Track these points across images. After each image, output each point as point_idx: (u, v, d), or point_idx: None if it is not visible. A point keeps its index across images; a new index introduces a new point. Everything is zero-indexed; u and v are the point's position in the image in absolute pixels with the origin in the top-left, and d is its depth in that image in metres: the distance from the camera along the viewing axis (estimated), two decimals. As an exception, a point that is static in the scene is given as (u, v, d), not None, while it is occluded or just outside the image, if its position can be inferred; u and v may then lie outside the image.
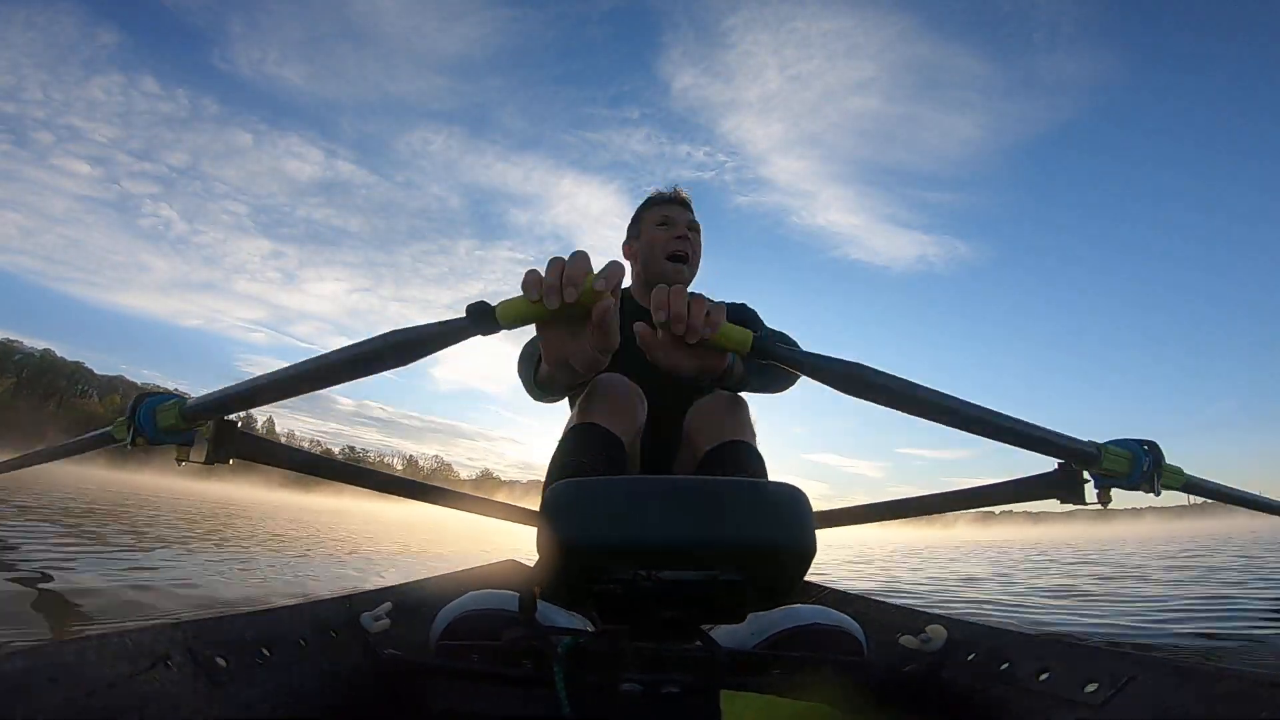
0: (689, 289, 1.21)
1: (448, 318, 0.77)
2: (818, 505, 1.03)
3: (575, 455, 1.01)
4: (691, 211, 1.30)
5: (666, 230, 1.25)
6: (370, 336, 0.79)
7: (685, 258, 1.24)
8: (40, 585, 1.26)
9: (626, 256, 1.32)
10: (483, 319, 0.73)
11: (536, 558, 0.57)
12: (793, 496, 0.51)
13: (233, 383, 0.95)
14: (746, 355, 0.80)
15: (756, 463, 1.07)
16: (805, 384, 1.03)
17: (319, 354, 0.83)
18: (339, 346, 0.83)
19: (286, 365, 0.88)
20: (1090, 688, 0.52)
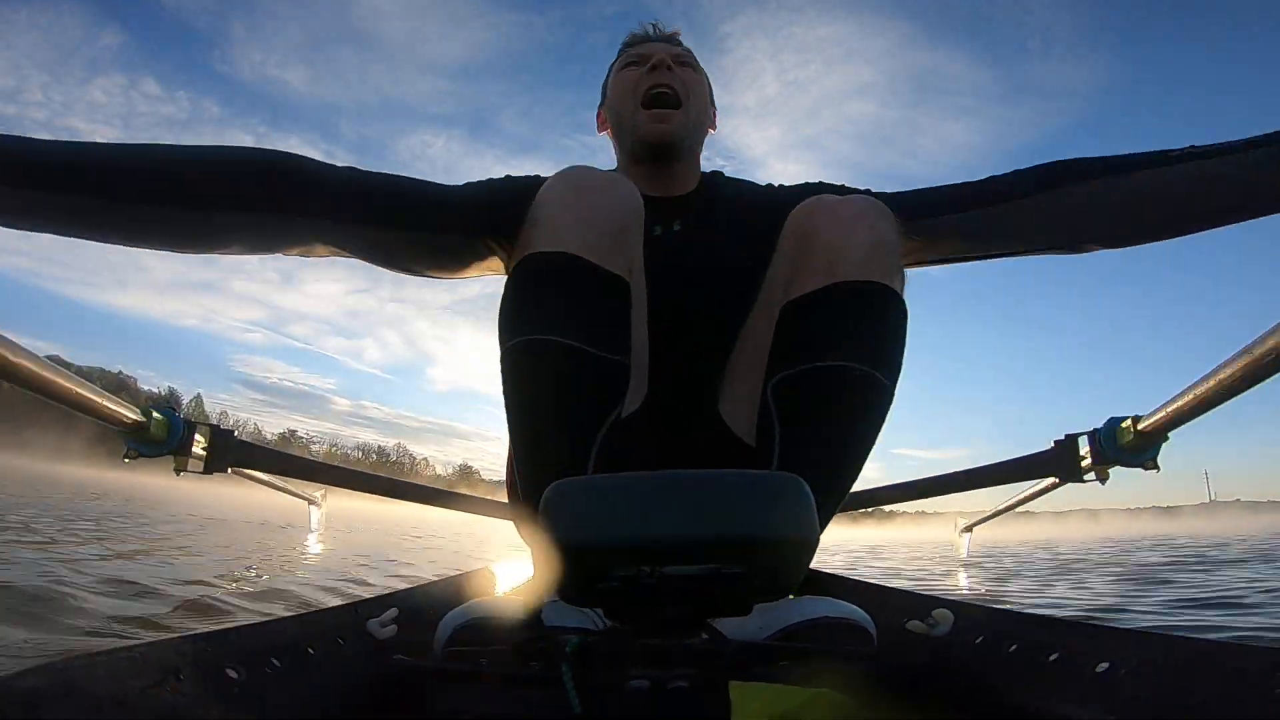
0: (698, 156, 0.92)
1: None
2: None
3: (533, 313, 0.69)
4: (678, 44, 0.94)
5: (637, 69, 0.88)
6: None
7: (670, 98, 0.86)
8: (50, 598, 1.27)
9: (600, 130, 1.00)
10: None
11: (540, 559, 0.57)
12: (793, 486, 0.51)
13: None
14: None
15: (890, 328, 0.72)
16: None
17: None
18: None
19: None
20: (1101, 667, 0.52)
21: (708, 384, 0.87)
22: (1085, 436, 1.33)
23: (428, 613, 0.87)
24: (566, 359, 0.67)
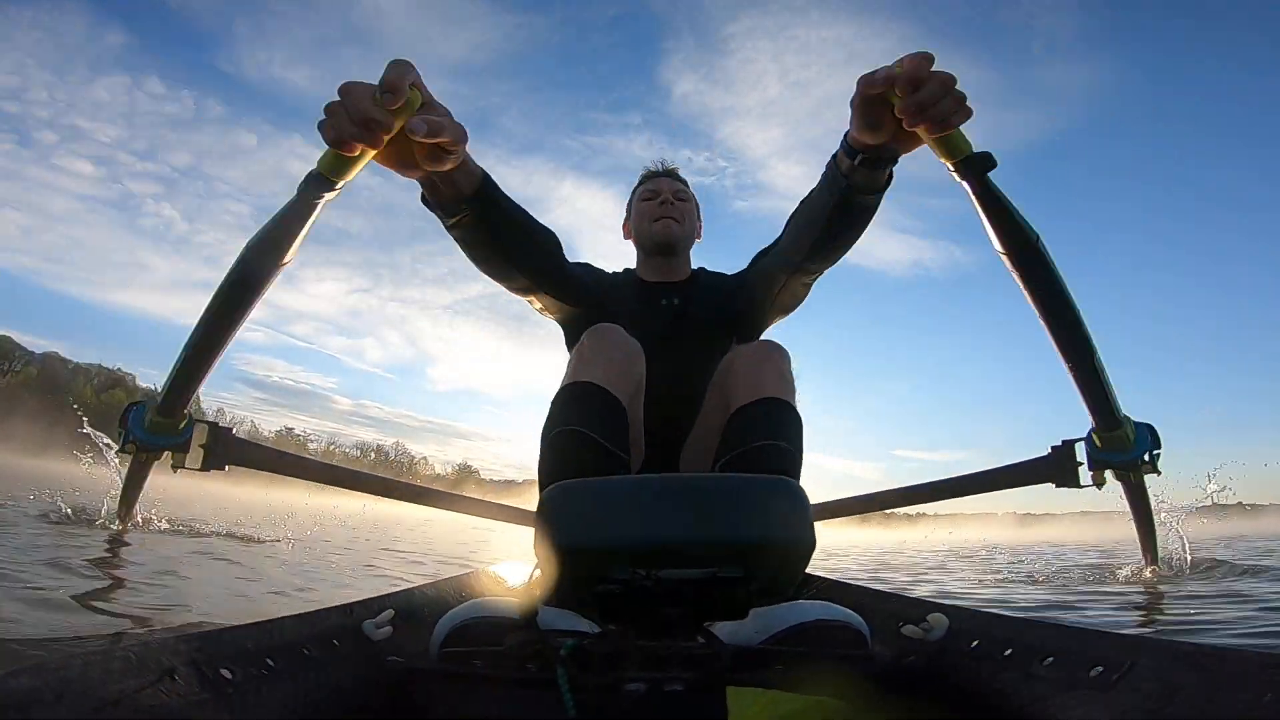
0: (689, 255, 1.41)
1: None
2: (815, 499, 1.03)
3: (567, 417, 1.02)
4: (679, 180, 1.41)
5: (652, 202, 1.37)
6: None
7: (672, 217, 1.34)
8: (44, 597, 1.26)
9: (626, 237, 1.45)
10: (315, 184, 0.82)
11: (536, 560, 0.57)
12: (790, 491, 0.51)
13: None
14: (960, 166, 0.87)
15: (793, 425, 1.05)
16: (805, 379, 1.08)
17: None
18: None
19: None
20: (1094, 671, 0.52)
21: (673, 461, 1.24)
22: (1081, 442, 1.34)
23: (424, 614, 0.87)
24: (588, 445, 0.98)
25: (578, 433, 0.99)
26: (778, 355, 1.10)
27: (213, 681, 0.48)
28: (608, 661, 0.57)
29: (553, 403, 1.07)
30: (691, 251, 1.42)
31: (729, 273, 1.43)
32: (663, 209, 1.34)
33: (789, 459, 1.01)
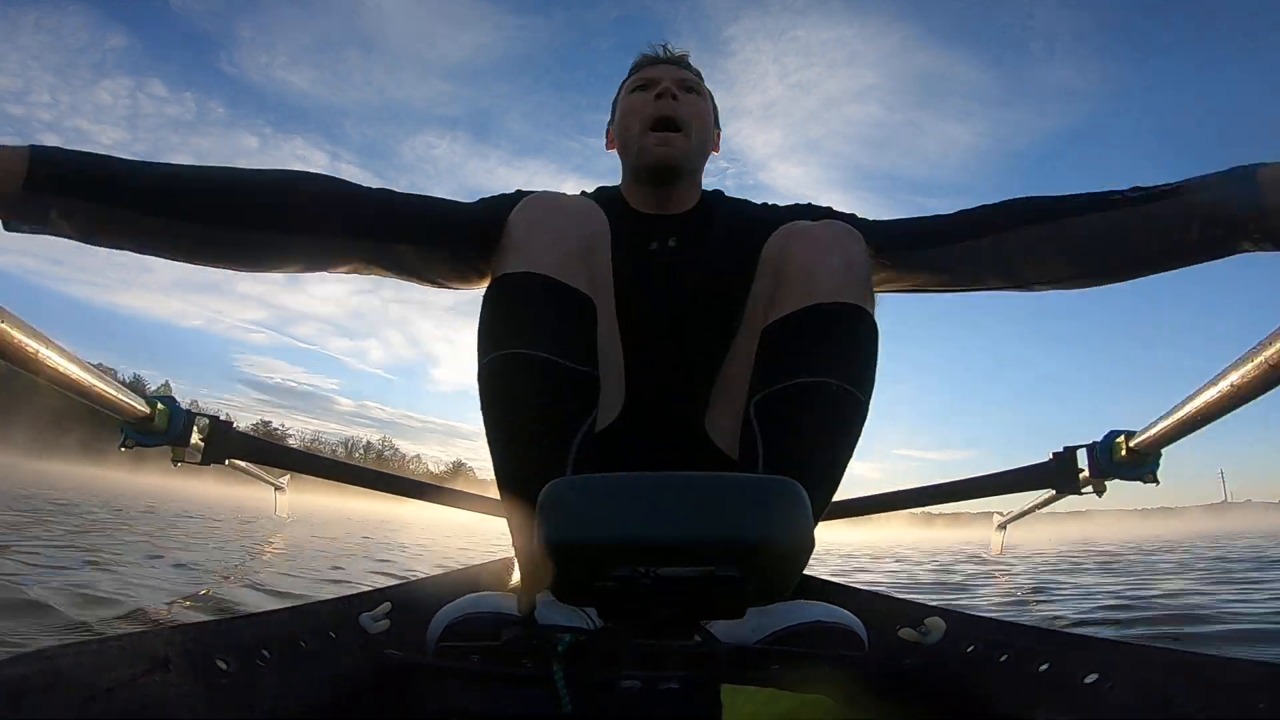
0: (699, 179, 0.94)
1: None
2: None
3: (508, 330, 0.74)
4: (688, 68, 0.95)
5: (645, 93, 0.90)
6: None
7: (674, 123, 0.88)
8: (37, 588, 1.26)
9: (609, 148, 1.00)
10: None
11: (534, 556, 0.57)
12: (790, 491, 0.51)
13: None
14: None
15: (854, 348, 0.76)
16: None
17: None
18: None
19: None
20: (1090, 678, 0.52)
21: (692, 399, 0.92)
22: (1084, 450, 1.33)
23: (421, 608, 0.87)
24: (538, 371, 0.73)
25: (524, 357, 0.72)
26: (846, 239, 0.77)
27: (207, 672, 0.47)
28: (604, 658, 0.57)
29: (481, 310, 0.77)
30: (704, 171, 0.96)
31: (758, 202, 0.99)
32: (660, 105, 0.88)
33: (849, 405, 0.75)
